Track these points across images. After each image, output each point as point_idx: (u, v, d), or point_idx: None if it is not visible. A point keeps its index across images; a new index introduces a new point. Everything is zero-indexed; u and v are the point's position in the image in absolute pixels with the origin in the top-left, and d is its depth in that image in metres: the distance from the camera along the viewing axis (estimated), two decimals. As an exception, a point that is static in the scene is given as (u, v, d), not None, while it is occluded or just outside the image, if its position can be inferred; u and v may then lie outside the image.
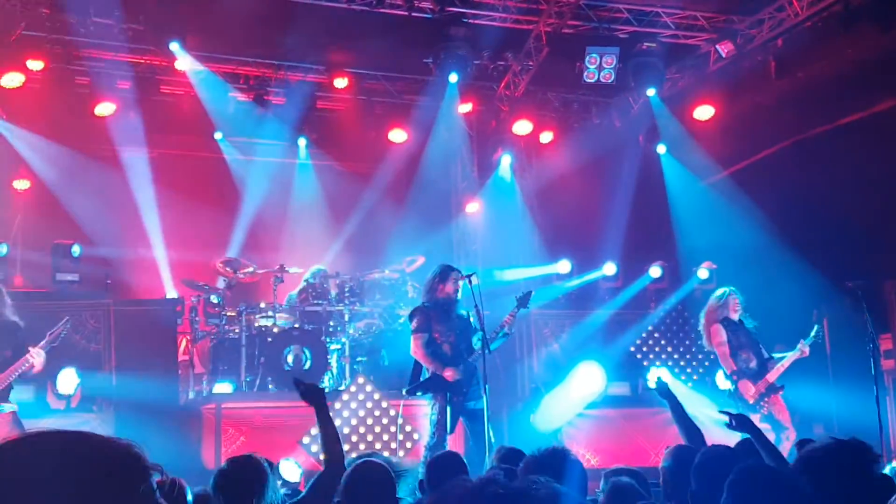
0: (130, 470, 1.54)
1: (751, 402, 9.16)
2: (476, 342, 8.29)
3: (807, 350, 9.28)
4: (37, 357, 7.59)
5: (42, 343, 7.69)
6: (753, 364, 9.32)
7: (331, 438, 4.71)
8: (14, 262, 11.41)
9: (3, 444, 1.53)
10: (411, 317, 8.53)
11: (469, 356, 8.27)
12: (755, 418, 8.84)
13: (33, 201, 12.58)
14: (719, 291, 9.65)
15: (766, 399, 9.20)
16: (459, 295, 8.39)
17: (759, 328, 9.54)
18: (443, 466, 4.95)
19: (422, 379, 8.38)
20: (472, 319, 8.33)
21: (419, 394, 8.56)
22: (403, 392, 8.78)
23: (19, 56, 11.00)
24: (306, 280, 11.52)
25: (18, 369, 7.56)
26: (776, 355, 9.41)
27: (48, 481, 1.47)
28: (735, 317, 9.46)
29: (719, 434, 9.16)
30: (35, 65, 11.12)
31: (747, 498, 3.04)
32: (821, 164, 11.38)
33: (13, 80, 11.05)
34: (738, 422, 4.89)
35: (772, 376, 9.25)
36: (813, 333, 9.33)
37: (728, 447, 4.39)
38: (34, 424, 7.82)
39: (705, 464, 3.93)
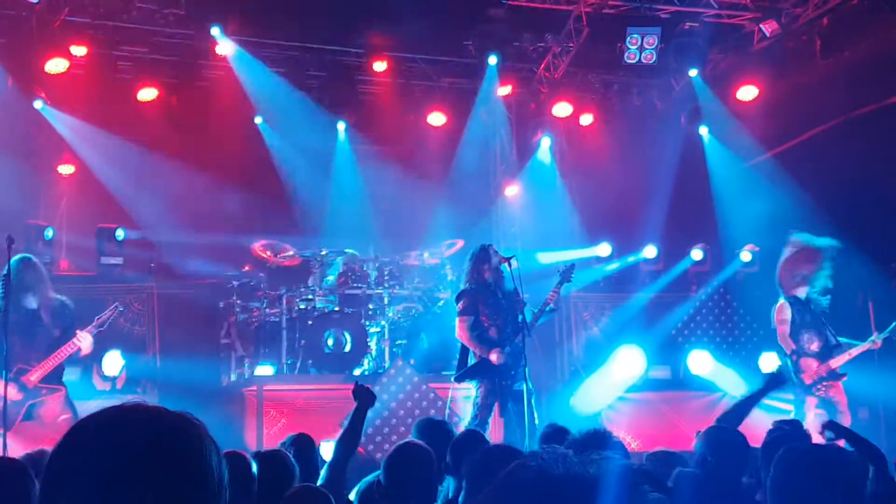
0: (195, 438, 1.59)
1: (808, 382, 9.03)
2: (528, 314, 8.25)
3: (879, 343, 9.08)
4: (84, 340, 7.72)
5: (90, 327, 7.82)
6: (815, 346, 9.16)
7: (350, 440, 4.99)
8: (60, 246, 11.58)
9: (77, 423, 1.58)
10: (458, 299, 8.51)
11: (515, 337, 8.23)
12: (811, 402, 8.77)
13: (78, 186, 12.74)
14: None
15: (824, 383, 9.04)
16: (501, 267, 8.31)
17: (827, 311, 9.32)
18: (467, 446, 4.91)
19: (469, 362, 8.37)
20: (520, 296, 8.26)
21: (468, 380, 8.54)
22: (452, 379, 8.78)
23: (63, 42, 11.12)
24: (343, 265, 11.57)
25: (66, 353, 7.69)
26: (844, 340, 9.24)
27: (127, 455, 1.51)
28: (801, 295, 9.29)
29: (761, 418, 9.11)
30: (78, 50, 11.24)
31: (791, 473, 3.03)
32: (867, 145, 11.17)
33: (57, 65, 11.18)
34: (833, 429, 4.89)
35: (835, 362, 9.09)
36: (890, 328, 9.09)
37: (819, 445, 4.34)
38: (80, 406, 7.97)
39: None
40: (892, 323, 9.11)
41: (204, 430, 1.60)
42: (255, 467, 3.96)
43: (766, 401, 10.19)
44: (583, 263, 12.34)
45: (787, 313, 9.22)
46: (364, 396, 5.24)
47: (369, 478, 4.09)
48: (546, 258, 12.14)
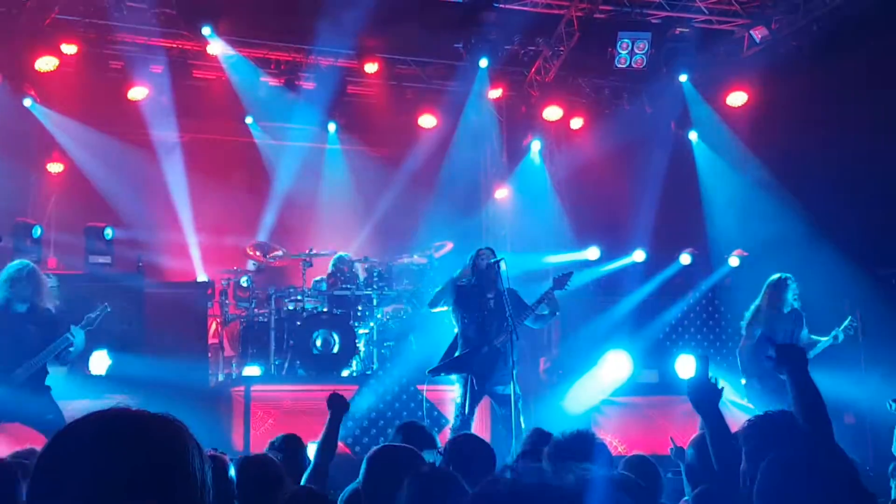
0: (179, 440, 1.62)
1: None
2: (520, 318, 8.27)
3: (839, 338, 9.11)
4: (77, 335, 7.67)
5: (80, 325, 7.78)
6: None
7: (329, 446, 5.16)
8: (48, 244, 11.55)
9: (63, 428, 1.61)
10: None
11: (497, 339, 8.23)
12: None
13: (67, 184, 12.72)
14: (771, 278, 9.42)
15: None
16: (486, 267, 8.33)
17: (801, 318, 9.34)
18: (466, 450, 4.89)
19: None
20: (506, 301, 8.27)
21: (442, 375, 8.57)
22: (427, 372, 8.81)
23: (53, 40, 11.10)
24: (333, 266, 11.58)
25: (60, 346, 7.63)
26: (815, 338, 9.25)
27: (113, 458, 1.55)
28: (786, 309, 9.26)
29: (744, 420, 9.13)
30: (69, 49, 11.22)
31: (780, 484, 2.98)
32: (856, 152, 11.22)
33: (47, 63, 11.16)
34: (784, 354, 4.29)
35: None
36: (846, 323, 9.15)
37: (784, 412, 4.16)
38: (66, 405, 7.93)
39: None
40: (848, 318, 9.14)
41: (187, 432, 1.63)
42: (232, 470, 3.96)
43: (741, 401, 10.28)
44: (572, 266, 12.38)
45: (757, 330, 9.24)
46: (337, 405, 5.34)
47: (354, 484, 4.08)
48: (536, 262, 12.17)
